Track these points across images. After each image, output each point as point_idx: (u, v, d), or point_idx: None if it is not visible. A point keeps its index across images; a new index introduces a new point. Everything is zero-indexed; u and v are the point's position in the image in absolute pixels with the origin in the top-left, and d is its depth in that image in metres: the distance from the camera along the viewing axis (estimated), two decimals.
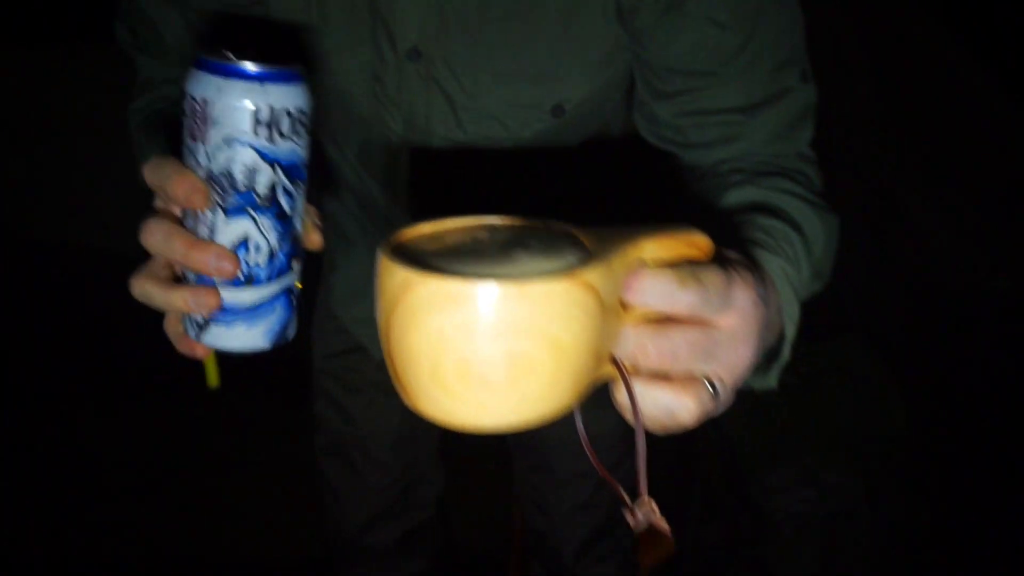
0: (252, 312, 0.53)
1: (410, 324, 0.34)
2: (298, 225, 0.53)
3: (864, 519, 1.63)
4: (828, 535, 1.63)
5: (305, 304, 1.09)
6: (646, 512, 0.42)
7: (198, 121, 0.49)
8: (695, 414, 0.39)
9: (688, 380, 0.39)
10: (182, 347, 0.59)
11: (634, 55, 0.70)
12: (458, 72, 0.71)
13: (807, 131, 0.72)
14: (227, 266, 0.49)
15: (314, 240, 0.56)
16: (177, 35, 0.80)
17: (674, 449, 1.11)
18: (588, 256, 0.36)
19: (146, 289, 0.53)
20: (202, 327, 0.54)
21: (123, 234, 1.47)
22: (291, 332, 0.56)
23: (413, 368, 0.35)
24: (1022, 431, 2.15)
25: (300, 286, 0.55)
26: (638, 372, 0.38)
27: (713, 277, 0.38)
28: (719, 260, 0.41)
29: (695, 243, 0.41)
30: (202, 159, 0.49)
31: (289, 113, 0.49)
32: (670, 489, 1.12)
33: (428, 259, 0.36)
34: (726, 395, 0.41)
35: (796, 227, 0.60)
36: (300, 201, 0.52)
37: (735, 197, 0.64)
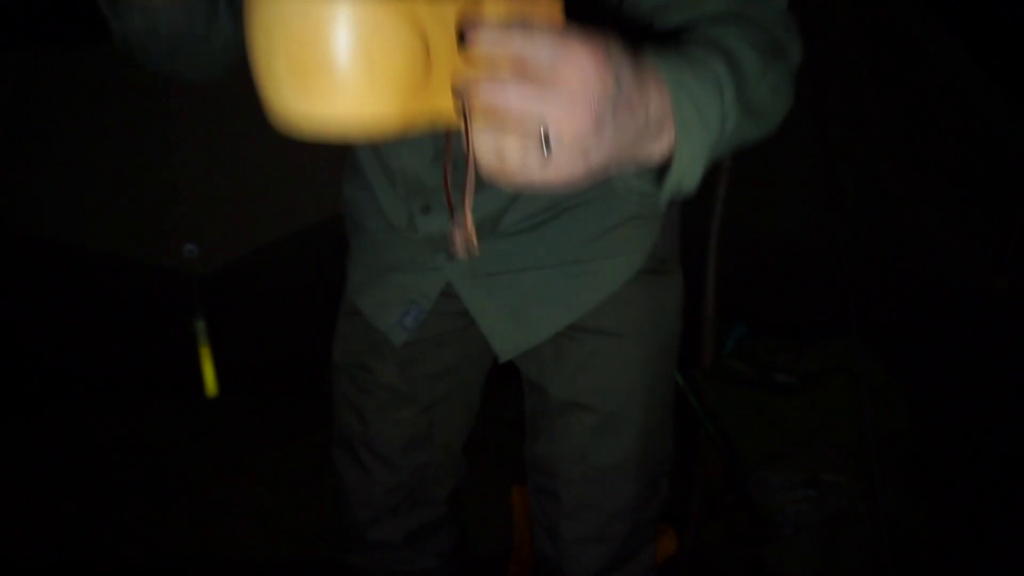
0: None
1: (265, 14, 0.42)
2: None
3: (864, 519, 1.63)
4: (828, 535, 1.63)
5: (329, 305, 1.09)
6: (460, 222, 0.50)
7: None
8: (521, 158, 0.44)
9: (519, 124, 0.43)
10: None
11: None
12: None
13: None
14: None
15: None
16: None
17: (674, 449, 1.10)
18: None
19: None
20: None
21: (124, 235, 1.47)
22: None
23: (269, 58, 0.43)
24: (1022, 431, 2.15)
25: None
26: (475, 111, 0.44)
27: (544, 31, 0.43)
28: (569, 28, 0.45)
29: (542, 4, 0.48)
30: None
31: None
32: (670, 489, 1.11)
33: None
34: (563, 153, 0.44)
35: (725, 54, 0.59)
36: None
37: (682, 33, 0.65)
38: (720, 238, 1.75)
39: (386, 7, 0.42)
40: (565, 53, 0.43)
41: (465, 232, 0.51)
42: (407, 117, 0.45)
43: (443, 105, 0.46)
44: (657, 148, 0.53)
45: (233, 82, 1.42)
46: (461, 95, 0.45)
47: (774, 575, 1.64)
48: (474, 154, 0.46)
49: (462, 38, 0.45)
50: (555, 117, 0.43)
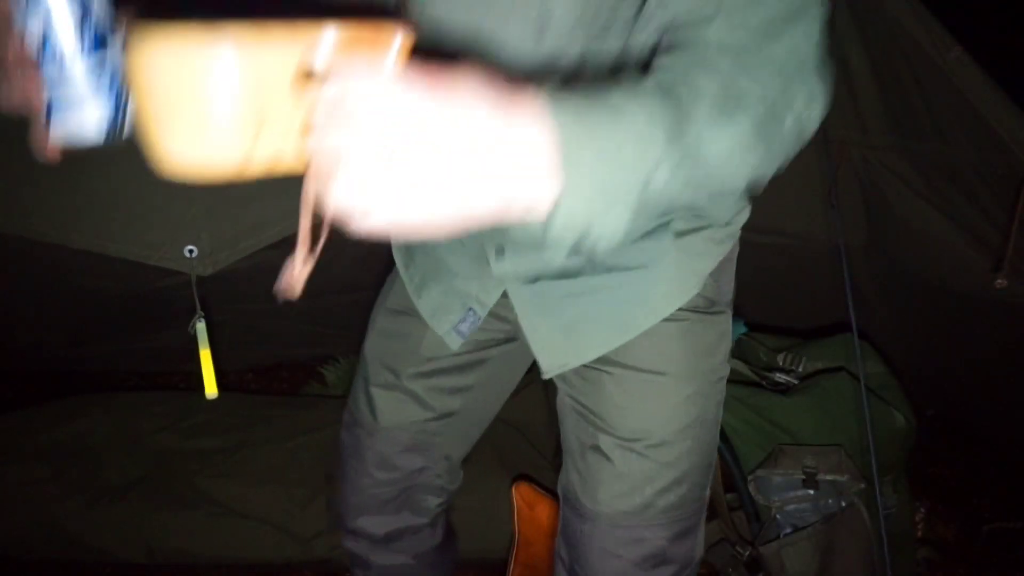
0: (81, 97, 0.56)
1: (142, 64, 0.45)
2: (97, 6, 0.55)
3: (864, 519, 1.63)
4: (828, 535, 1.63)
5: (329, 305, 1.09)
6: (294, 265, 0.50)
7: None
8: (362, 203, 0.43)
9: (346, 166, 0.43)
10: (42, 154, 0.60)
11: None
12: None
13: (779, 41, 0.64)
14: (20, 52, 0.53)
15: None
16: None
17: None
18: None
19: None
20: (47, 120, 0.57)
21: (124, 235, 1.46)
22: (126, 128, 0.59)
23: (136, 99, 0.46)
24: (1022, 431, 2.15)
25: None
26: (316, 156, 0.44)
27: (381, 75, 0.43)
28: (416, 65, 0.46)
29: (382, 35, 0.49)
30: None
31: None
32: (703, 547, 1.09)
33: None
34: (406, 195, 0.44)
35: (669, 102, 0.56)
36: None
37: (642, 79, 0.61)
38: None
39: (220, 52, 0.44)
40: (403, 95, 0.43)
41: (292, 275, 0.51)
42: (247, 161, 0.46)
43: (287, 149, 0.47)
44: (546, 193, 0.49)
45: None
46: (301, 140, 0.46)
47: (774, 575, 1.64)
48: (314, 200, 0.46)
49: (302, 79, 0.46)
50: (391, 157, 0.43)
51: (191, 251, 1.42)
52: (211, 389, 1.48)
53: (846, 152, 1.86)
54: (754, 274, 2.21)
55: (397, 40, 0.50)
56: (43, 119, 0.56)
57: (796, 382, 1.88)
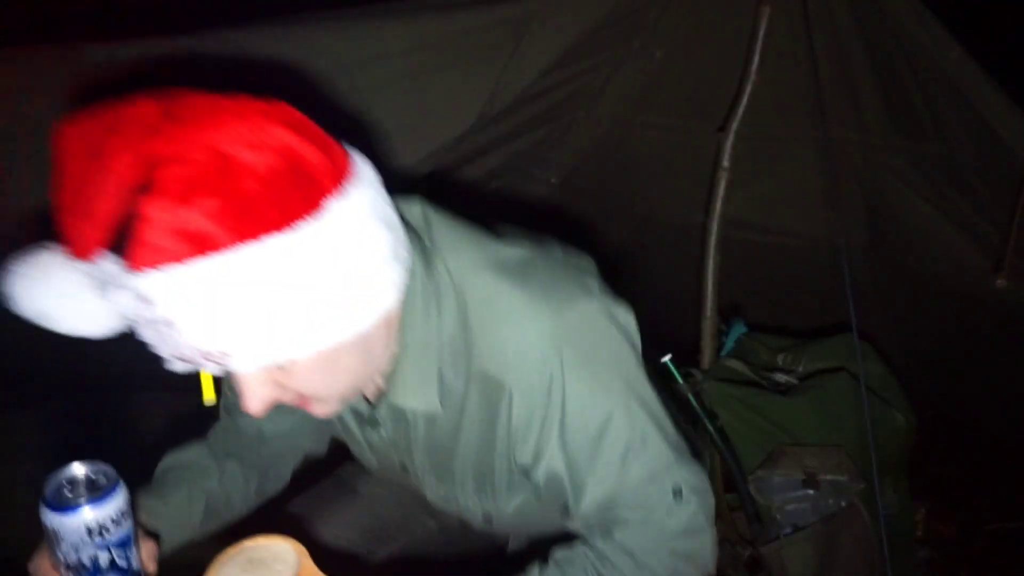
0: None
1: None
2: (136, 565, 0.80)
3: (864, 519, 1.63)
4: (828, 535, 1.63)
5: None
6: None
7: (52, 537, 0.76)
8: None
9: None
10: None
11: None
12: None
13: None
14: None
15: (150, 567, 0.88)
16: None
17: None
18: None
19: None
20: None
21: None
22: None
23: None
24: (1022, 431, 2.15)
25: None
26: None
27: None
28: None
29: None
30: (61, 556, 0.76)
31: (112, 519, 0.75)
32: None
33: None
34: None
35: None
36: (135, 552, 0.79)
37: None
38: (719, 237, 1.75)
39: None
40: None
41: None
42: None
43: None
44: None
45: (234, 84, 1.42)
46: None
47: (774, 575, 1.64)
48: None
49: None
50: None
51: None
52: (209, 396, 1.47)
53: (846, 152, 1.86)
54: (754, 274, 2.21)
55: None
56: None
57: (796, 382, 1.88)
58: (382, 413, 0.94)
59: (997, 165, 1.58)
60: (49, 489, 0.79)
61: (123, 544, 0.76)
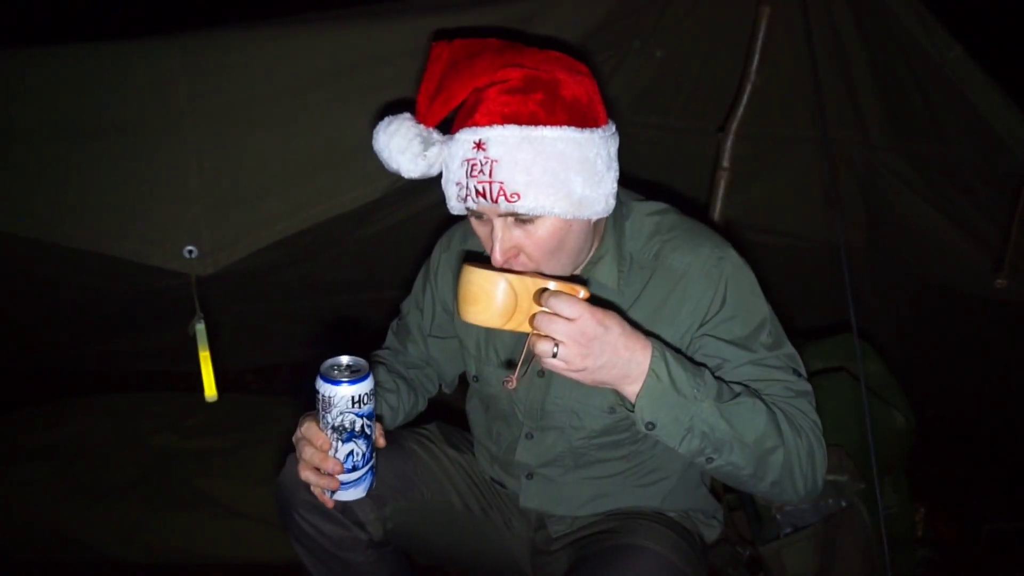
0: (357, 482, 1.05)
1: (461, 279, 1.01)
2: (373, 437, 1.06)
3: (864, 519, 1.64)
4: (828, 535, 1.63)
5: (328, 305, 1.23)
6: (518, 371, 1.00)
7: (327, 404, 0.99)
8: (547, 354, 0.91)
9: (549, 338, 0.91)
10: (319, 497, 1.08)
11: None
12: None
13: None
14: (336, 468, 1.02)
15: (380, 442, 1.09)
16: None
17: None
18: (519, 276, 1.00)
19: (306, 474, 1.05)
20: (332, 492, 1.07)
21: (124, 235, 1.46)
22: (374, 485, 1.09)
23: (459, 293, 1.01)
24: (1022, 431, 2.15)
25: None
26: (535, 328, 0.94)
27: (572, 302, 0.91)
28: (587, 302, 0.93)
29: (575, 288, 0.96)
30: (329, 420, 1.00)
31: (366, 394, 1.00)
32: None
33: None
34: (567, 354, 0.91)
35: (716, 379, 1.02)
36: (373, 427, 1.04)
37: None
38: None
39: (498, 279, 0.97)
40: (579, 313, 0.91)
41: (516, 376, 0.99)
42: (508, 325, 0.97)
43: (524, 325, 0.97)
44: (633, 390, 0.96)
45: (235, 83, 1.43)
46: (531, 321, 0.95)
47: (774, 575, 1.64)
48: (531, 346, 0.94)
49: (537, 297, 0.96)
50: (563, 341, 0.90)
51: (191, 251, 1.42)
52: (211, 392, 1.48)
53: (846, 152, 1.86)
54: (754, 274, 2.20)
55: (582, 292, 0.96)
56: (327, 494, 1.06)
57: None
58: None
59: (997, 165, 1.58)
60: (324, 369, 1.00)
61: (370, 416, 1.02)
